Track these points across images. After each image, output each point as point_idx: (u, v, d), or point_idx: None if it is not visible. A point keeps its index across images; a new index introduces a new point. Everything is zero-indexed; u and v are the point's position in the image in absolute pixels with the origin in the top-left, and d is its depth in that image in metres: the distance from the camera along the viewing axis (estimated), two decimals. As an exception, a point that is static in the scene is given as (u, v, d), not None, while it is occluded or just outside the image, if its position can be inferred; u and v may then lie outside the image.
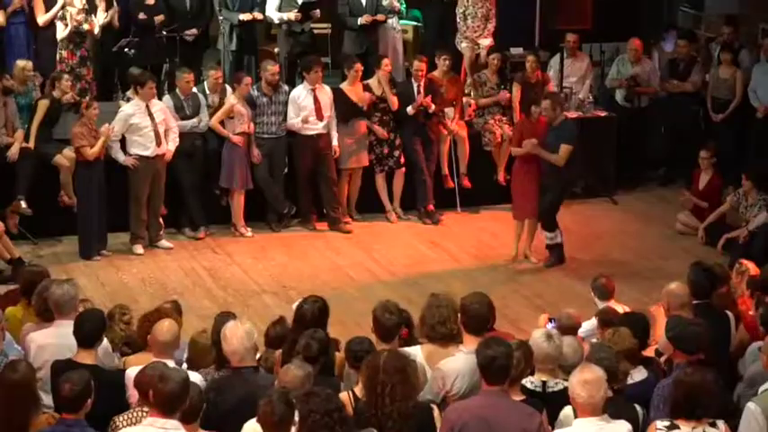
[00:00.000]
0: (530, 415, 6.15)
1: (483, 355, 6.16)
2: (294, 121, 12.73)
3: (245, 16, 13.67)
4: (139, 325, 7.59)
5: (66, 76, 12.40)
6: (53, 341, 7.20)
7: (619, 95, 14.70)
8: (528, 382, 6.68)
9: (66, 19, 12.93)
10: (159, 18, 13.43)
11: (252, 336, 6.64)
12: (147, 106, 11.97)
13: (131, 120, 11.95)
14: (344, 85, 13.03)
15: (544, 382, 6.70)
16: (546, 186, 11.81)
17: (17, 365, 6.46)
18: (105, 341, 7.28)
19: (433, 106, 13.03)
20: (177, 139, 12.20)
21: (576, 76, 14.48)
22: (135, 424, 6.18)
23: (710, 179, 12.89)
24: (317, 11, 13.93)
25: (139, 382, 6.34)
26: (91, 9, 13.13)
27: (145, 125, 11.96)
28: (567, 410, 6.37)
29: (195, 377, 6.60)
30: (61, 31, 12.95)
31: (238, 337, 6.57)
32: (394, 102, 13.02)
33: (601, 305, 8.40)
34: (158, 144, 12.01)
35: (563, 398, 6.44)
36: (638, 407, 6.55)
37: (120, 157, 12.03)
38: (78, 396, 6.09)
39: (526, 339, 6.90)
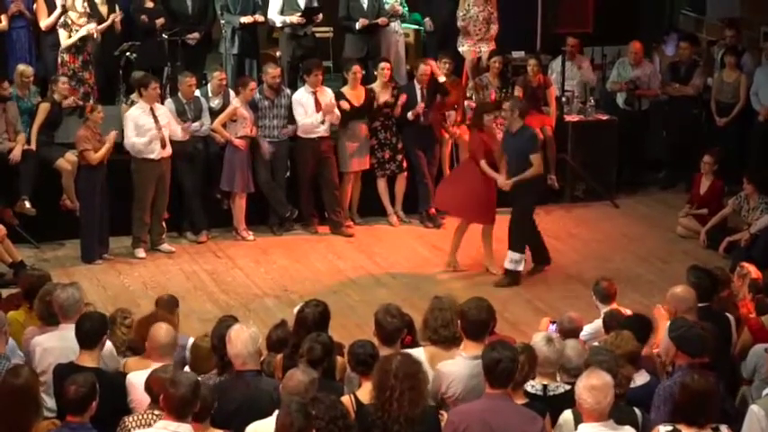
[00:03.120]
0: (532, 419, 6.17)
1: (488, 357, 6.18)
2: (308, 120, 12.68)
3: (246, 19, 13.67)
4: (136, 329, 7.55)
5: (63, 78, 12.40)
6: (58, 344, 7.20)
7: (620, 99, 14.70)
8: (529, 385, 6.69)
9: (68, 26, 12.92)
10: (160, 21, 13.43)
11: (256, 340, 6.65)
12: (152, 109, 11.97)
13: (138, 122, 11.95)
14: (345, 89, 13.03)
15: (545, 386, 6.72)
16: (514, 198, 11.42)
17: (20, 370, 6.47)
18: (109, 344, 7.29)
19: (422, 118, 13.02)
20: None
21: (577, 79, 14.50)
22: (145, 426, 6.20)
23: (711, 183, 12.87)
24: (320, 14, 13.93)
25: (151, 387, 6.35)
26: (94, 13, 13.15)
27: (149, 127, 11.95)
28: (567, 415, 6.37)
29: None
30: (64, 39, 12.93)
31: (242, 340, 6.58)
32: (397, 111, 13.04)
33: (602, 308, 8.39)
34: (163, 146, 12.01)
35: (564, 401, 6.46)
36: (637, 410, 6.55)
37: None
38: (84, 398, 6.11)
39: (528, 343, 6.91)
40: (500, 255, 11.68)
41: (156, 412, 6.25)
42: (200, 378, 6.87)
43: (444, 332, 7.12)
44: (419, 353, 7.08)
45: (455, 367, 6.78)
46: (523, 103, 11.92)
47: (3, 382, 6.41)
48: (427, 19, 14.68)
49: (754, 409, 6.31)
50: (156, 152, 11.97)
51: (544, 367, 6.72)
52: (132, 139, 11.89)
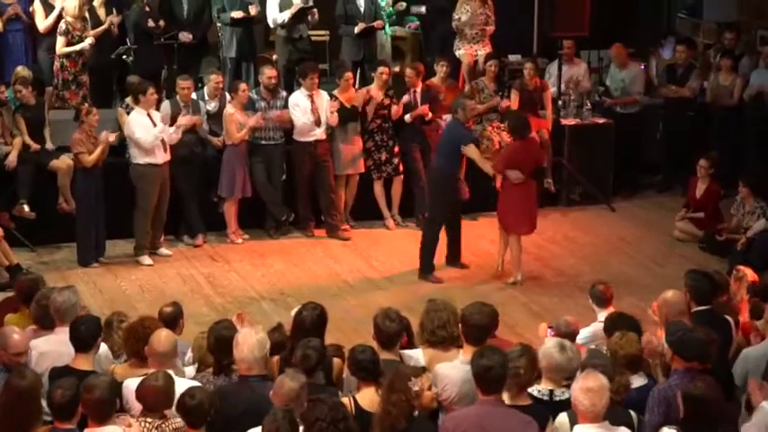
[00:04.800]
0: (527, 423, 6.17)
1: (477, 364, 6.17)
2: (303, 120, 12.67)
3: (236, 14, 13.57)
4: (124, 337, 7.37)
5: (18, 87, 12.19)
6: (54, 348, 7.21)
7: (617, 102, 14.75)
8: (535, 390, 6.65)
9: (69, 33, 12.88)
10: (160, 24, 13.39)
11: (264, 345, 6.61)
12: (149, 114, 11.92)
13: (142, 122, 11.88)
14: (337, 92, 13.02)
15: (551, 391, 6.67)
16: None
17: (25, 372, 6.49)
18: (105, 347, 7.28)
19: (430, 114, 13.04)
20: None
21: (573, 82, 14.50)
22: None
23: (707, 187, 12.87)
24: (314, 11, 13.83)
25: (141, 395, 6.34)
26: (91, 17, 13.13)
27: (151, 132, 11.88)
28: (562, 417, 6.38)
29: (190, 384, 6.59)
30: (61, 46, 12.89)
31: (249, 345, 6.56)
32: (397, 110, 13.02)
33: (599, 312, 8.38)
34: (164, 150, 11.98)
35: (569, 407, 6.42)
36: (632, 412, 6.55)
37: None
38: (69, 402, 6.13)
39: (528, 344, 6.89)
40: (493, 257, 11.73)
41: (149, 419, 6.26)
42: (196, 378, 6.92)
43: (442, 333, 7.14)
44: (418, 354, 7.09)
45: (451, 371, 6.79)
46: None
47: (8, 383, 6.42)
48: (423, 7, 14.64)
49: (765, 406, 6.36)
50: (159, 156, 11.93)
51: (552, 373, 6.66)
52: (142, 139, 11.76)
